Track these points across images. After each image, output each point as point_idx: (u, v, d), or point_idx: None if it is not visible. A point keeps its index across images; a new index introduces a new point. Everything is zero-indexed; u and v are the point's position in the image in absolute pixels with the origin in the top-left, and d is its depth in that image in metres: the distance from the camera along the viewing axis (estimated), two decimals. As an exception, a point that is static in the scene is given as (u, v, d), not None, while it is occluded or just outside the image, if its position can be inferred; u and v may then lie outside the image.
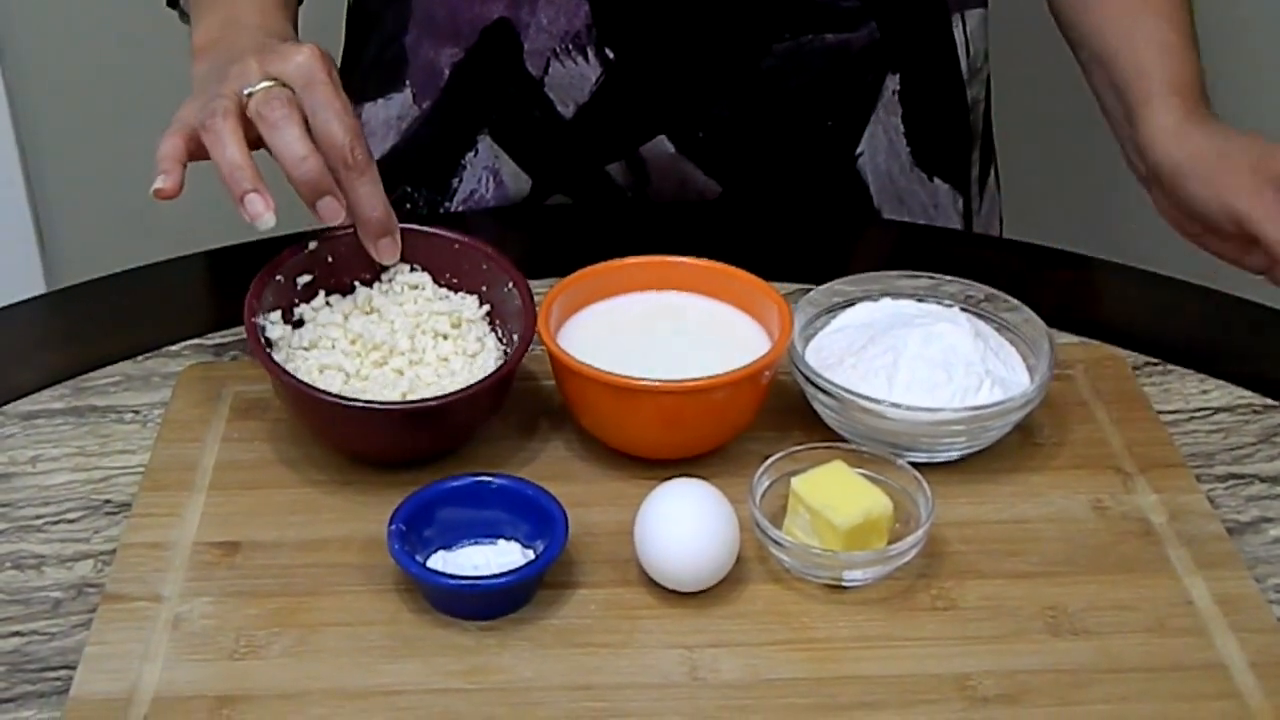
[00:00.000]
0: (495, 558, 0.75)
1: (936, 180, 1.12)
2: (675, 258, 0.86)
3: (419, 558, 0.74)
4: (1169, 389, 0.91)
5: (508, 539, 0.76)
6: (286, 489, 0.81)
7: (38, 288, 1.77)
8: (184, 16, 1.04)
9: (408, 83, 1.08)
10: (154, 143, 0.83)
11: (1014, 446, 0.84)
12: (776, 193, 1.04)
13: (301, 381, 0.79)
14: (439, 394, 0.79)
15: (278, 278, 0.83)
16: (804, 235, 1.06)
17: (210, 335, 0.95)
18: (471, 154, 1.07)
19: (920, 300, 0.88)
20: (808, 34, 0.99)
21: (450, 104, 1.06)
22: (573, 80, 1.02)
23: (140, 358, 0.93)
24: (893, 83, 1.06)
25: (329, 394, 0.78)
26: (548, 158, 1.06)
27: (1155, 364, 0.93)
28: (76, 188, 1.81)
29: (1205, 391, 0.91)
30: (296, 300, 0.84)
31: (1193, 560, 0.77)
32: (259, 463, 0.83)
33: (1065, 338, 0.93)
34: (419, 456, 0.81)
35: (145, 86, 1.71)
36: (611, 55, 1.00)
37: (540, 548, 0.74)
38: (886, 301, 0.88)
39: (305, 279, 0.84)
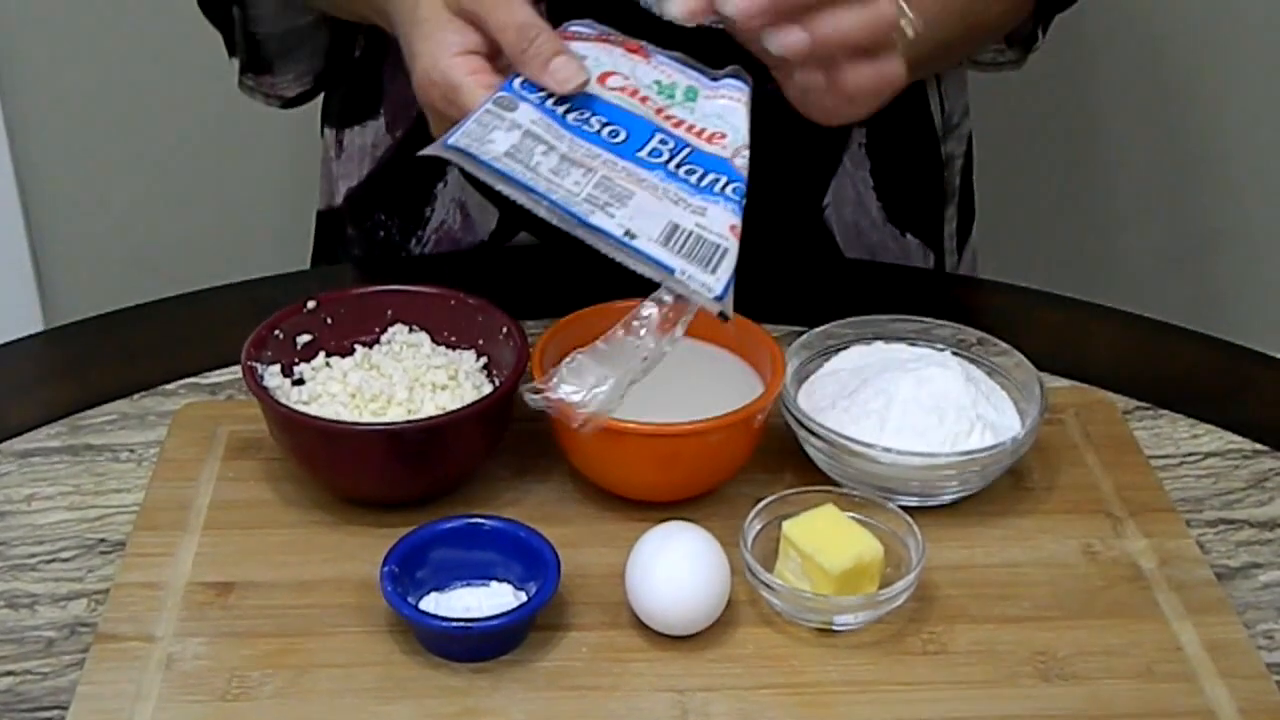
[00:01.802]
0: (487, 600, 0.75)
1: (909, 235, 1.12)
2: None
3: (411, 599, 0.74)
4: (1159, 433, 0.91)
5: (500, 581, 0.76)
6: (281, 529, 0.81)
7: (35, 325, 1.78)
8: (245, 82, 1.06)
9: (382, 111, 1.10)
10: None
11: (1005, 490, 0.84)
12: (743, 236, 1.03)
13: (294, 410, 0.79)
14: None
15: (276, 333, 0.84)
16: (781, 278, 1.06)
17: (206, 374, 0.95)
18: (441, 184, 1.09)
19: (912, 344, 0.89)
20: (767, 83, 0.98)
21: (422, 134, 1.06)
22: None
23: (136, 396, 0.93)
24: (859, 135, 1.06)
25: (319, 419, 0.79)
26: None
27: (1146, 408, 0.93)
28: (75, 225, 1.82)
29: (1195, 436, 0.91)
30: (296, 359, 0.85)
31: (1183, 605, 0.77)
32: (253, 502, 0.83)
33: (1055, 381, 0.94)
34: (412, 495, 0.81)
35: (145, 125, 1.73)
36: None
37: (532, 590, 0.74)
38: (879, 345, 0.89)
39: (305, 338, 0.85)
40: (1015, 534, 0.82)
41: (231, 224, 1.76)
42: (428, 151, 0.72)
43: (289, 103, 1.11)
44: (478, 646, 0.73)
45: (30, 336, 1.03)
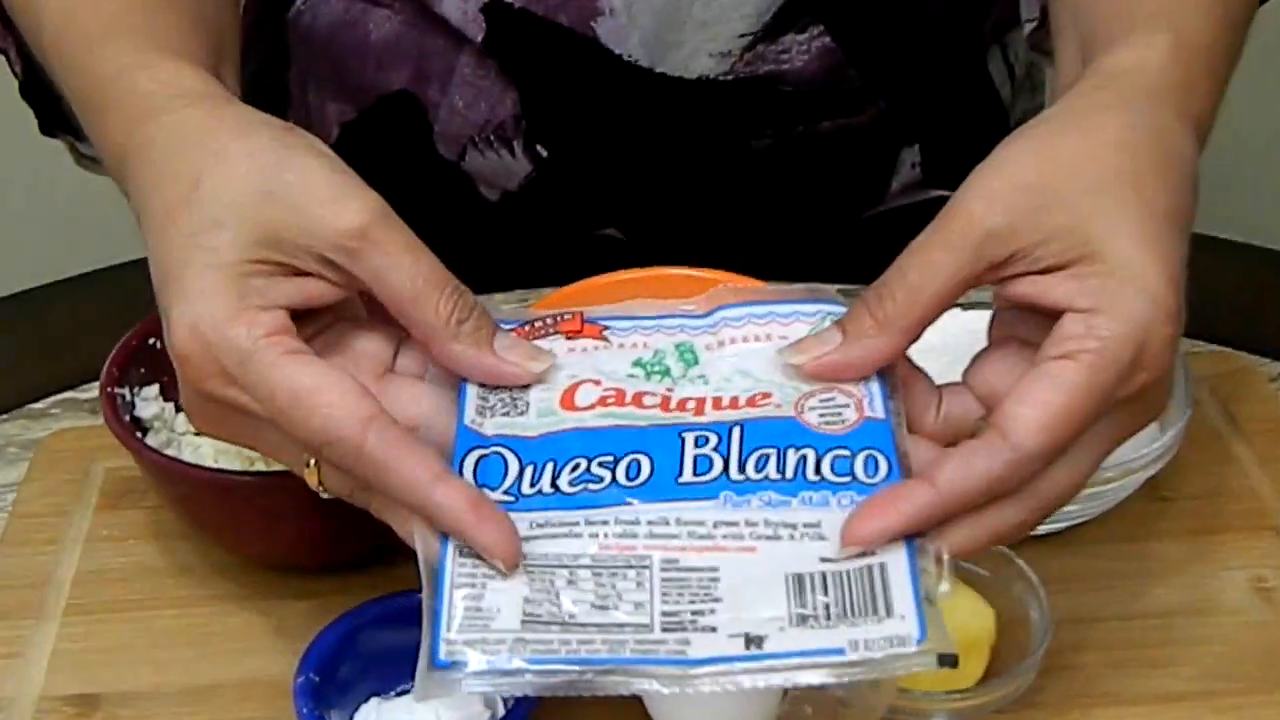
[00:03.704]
0: (445, 712, 0.54)
1: None
2: (686, 270, 0.62)
3: (340, 714, 0.54)
4: (1320, 406, 0.71)
5: (464, 679, 0.55)
6: (169, 610, 0.62)
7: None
8: (85, 151, 0.79)
9: (292, 123, 0.87)
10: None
11: (1135, 504, 0.64)
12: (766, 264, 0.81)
13: (169, 457, 0.60)
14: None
15: (152, 341, 0.63)
16: (830, 235, 0.85)
17: (87, 386, 0.75)
18: None
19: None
20: (797, 126, 0.78)
21: (348, 142, 0.83)
22: (497, 171, 0.81)
23: (-2, 417, 0.73)
24: (910, 155, 0.85)
25: (203, 469, 0.60)
26: (464, 242, 0.84)
27: (1296, 371, 0.73)
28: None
29: (1370, 407, 0.71)
30: None
31: (1402, 662, 0.57)
32: (133, 571, 0.64)
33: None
34: (339, 558, 0.61)
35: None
36: (545, 153, 0.80)
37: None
38: (955, 314, 0.67)
39: None
40: (1158, 567, 0.62)
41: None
42: (417, 697, 0.44)
43: None
44: (434, 787, 0.52)
45: None
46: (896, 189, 0.85)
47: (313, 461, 0.48)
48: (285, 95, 0.86)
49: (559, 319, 0.53)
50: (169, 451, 0.61)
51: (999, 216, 0.47)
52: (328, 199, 0.48)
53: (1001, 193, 0.48)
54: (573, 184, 0.81)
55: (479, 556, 0.46)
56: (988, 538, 0.47)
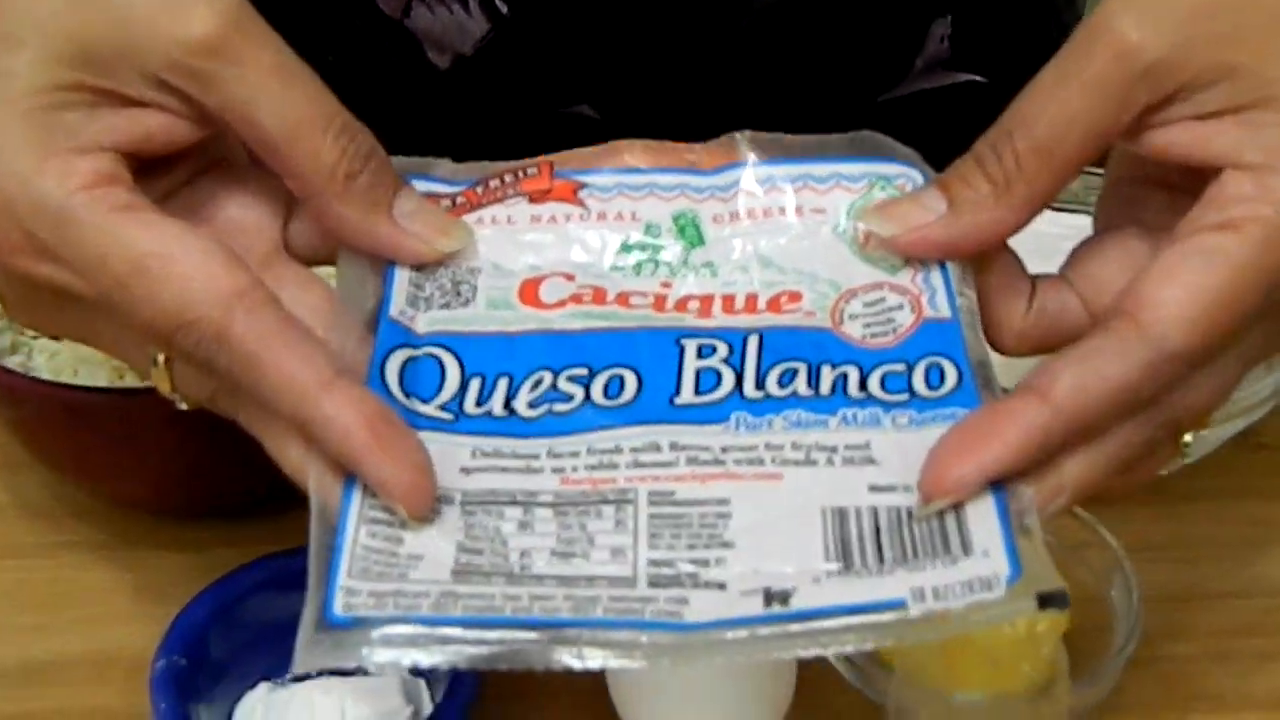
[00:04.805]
0: (354, 705, 0.42)
1: None
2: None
3: (216, 707, 0.41)
4: None
5: (381, 663, 0.44)
6: (8, 562, 0.51)
7: None
8: None
9: None
10: None
11: (1223, 454, 0.53)
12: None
13: (2, 367, 0.48)
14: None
15: None
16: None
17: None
18: None
19: (1060, 209, 0.55)
20: None
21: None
22: (448, 31, 0.71)
23: None
24: (940, 27, 0.75)
25: (45, 383, 0.48)
26: (409, 117, 0.72)
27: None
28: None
29: None
30: None
31: None
32: None
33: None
34: (224, 501, 0.50)
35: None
36: (505, 9, 0.68)
37: (441, 682, 0.42)
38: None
39: None
40: (1262, 533, 0.52)
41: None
42: (299, 667, 0.32)
43: None
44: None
45: None
46: (920, 68, 0.74)
47: (162, 358, 0.36)
48: None
49: (520, 174, 0.41)
50: (13, 361, 0.49)
51: (1162, 44, 0.35)
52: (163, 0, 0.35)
53: (1162, 13, 0.35)
54: (537, 48, 0.70)
55: None
56: (1114, 468, 0.35)
